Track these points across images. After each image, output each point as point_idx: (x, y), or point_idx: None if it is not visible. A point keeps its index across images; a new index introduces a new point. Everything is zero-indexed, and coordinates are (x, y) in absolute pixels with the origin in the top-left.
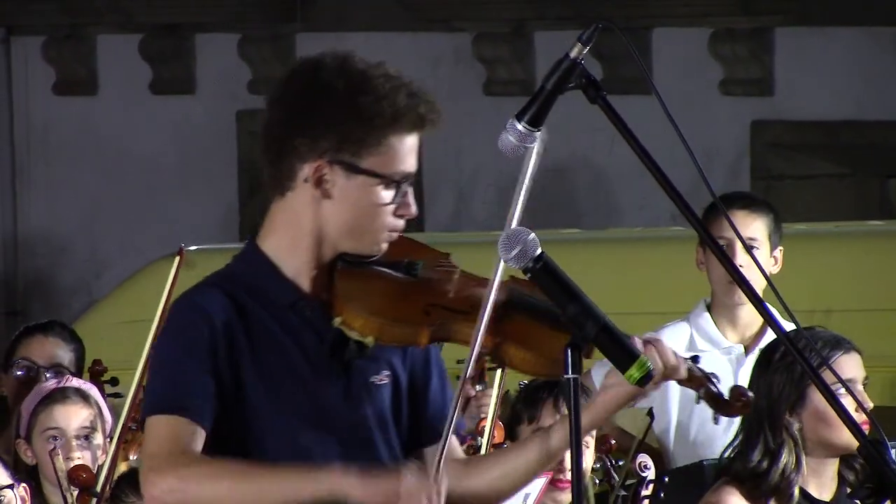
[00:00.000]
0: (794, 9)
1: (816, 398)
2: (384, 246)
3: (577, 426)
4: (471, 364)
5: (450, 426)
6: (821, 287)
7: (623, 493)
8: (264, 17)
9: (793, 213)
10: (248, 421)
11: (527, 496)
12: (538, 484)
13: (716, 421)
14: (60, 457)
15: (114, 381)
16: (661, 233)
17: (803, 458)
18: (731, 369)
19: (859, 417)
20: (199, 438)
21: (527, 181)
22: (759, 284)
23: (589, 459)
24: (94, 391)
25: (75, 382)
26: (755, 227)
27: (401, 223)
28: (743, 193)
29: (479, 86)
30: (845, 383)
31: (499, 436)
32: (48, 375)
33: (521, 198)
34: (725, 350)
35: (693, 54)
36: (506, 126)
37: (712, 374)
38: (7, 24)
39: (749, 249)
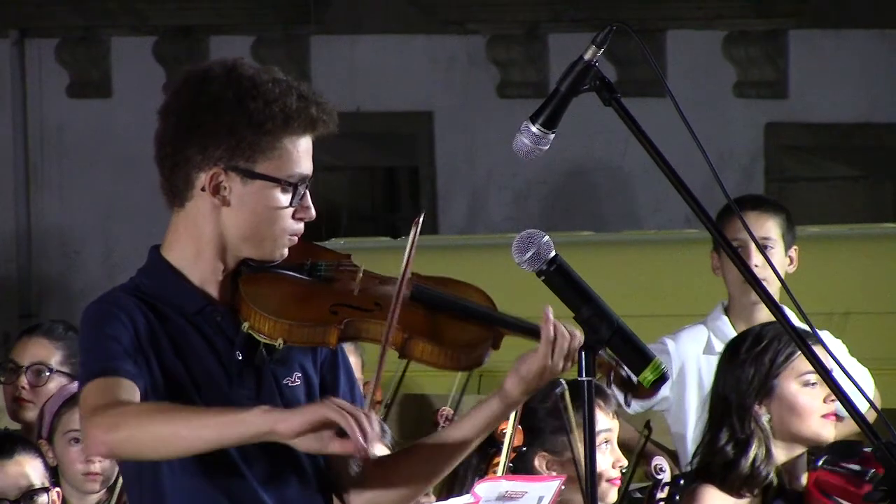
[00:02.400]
0: (808, 11)
1: (785, 389)
2: (285, 251)
3: (591, 429)
4: (382, 362)
5: (381, 364)
6: (834, 289)
7: (638, 495)
8: (278, 20)
9: (806, 215)
10: None
11: (541, 498)
12: (552, 486)
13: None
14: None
15: None
16: (676, 235)
17: (773, 449)
18: None
19: (828, 409)
20: (134, 392)
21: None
22: (774, 284)
23: (609, 458)
24: None
25: None
26: (768, 226)
27: (300, 226)
28: (754, 195)
29: (493, 88)
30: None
31: (518, 439)
32: (63, 371)
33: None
34: None
35: (707, 57)
36: (520, 128)
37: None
38: (21, 26)
39: (762, 249)
